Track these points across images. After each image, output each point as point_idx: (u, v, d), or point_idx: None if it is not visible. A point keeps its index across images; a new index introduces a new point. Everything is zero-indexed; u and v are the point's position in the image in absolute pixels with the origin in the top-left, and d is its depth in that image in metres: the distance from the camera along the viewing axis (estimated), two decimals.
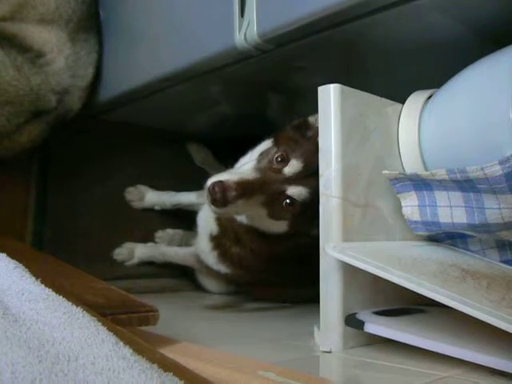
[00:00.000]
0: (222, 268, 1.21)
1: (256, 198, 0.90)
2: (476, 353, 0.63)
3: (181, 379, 0.48)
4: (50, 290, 0.60)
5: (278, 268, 1.13)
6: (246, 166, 0.95)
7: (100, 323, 0.55)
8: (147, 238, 1.56)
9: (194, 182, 1.33)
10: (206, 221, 1.23)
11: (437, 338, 0.66)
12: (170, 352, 0.62)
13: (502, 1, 0.76)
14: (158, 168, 1.63)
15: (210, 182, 0.88)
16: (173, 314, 1.06)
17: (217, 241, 1.20)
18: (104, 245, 1.48)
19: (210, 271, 1.28)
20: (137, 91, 1.21)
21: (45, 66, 1.17)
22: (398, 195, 0.83)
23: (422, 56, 0.92)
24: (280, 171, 0.92)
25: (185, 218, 1.50)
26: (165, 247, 1.53)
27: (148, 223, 1.58)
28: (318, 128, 0.79)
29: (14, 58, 1.13)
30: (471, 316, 0.60)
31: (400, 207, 0.84)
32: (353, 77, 0.97)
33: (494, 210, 0.75)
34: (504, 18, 0.79)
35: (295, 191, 0.91)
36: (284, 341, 0.85)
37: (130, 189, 1.57)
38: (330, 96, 0.77)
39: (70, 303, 0.58)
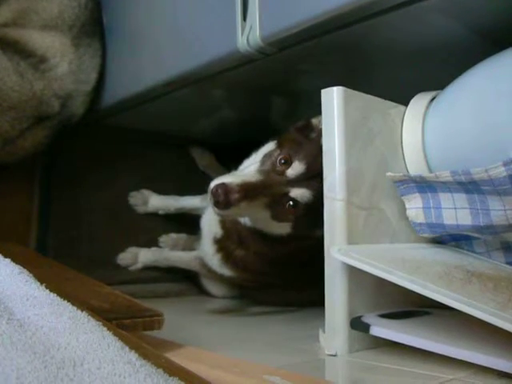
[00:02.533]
0: (226, 271, 1.21)
1: (259, 200, 0.90)
2: (482, 355, 0.62)
3: None
4: (55, 295, 0.60)
5: (281, 270, 1.13)
6: (250, 168, 0.95)
7: (105, 328, 0.55)
8: (151, 242, 1.55)
9: (198, 186, 1.33)
10: (210, 224, 1.23)
11: (443, 341, 0.66)
12: (175, 356, 0.62)
13: (505, 3, 0.76)
14: (162, 172, 1.63)
15: (213, 184, 0.88)
16: (177, 319, 1.06)
17: (220, 244, 1.20)
18: (108, 250, 1.48)
19: (214, 275, 1.28)
20: (140, 96, 1.21)
21: (48, 72, 1.17)
22: (402, 197, 0.83)
23: (426, 58, 0.92)
24: (283, 173, 0.92)
25: (188, 223, 1.50)
26: (169, 251, 1.53)
27: (152, 228, 1.58)
28: (321, 130, 0.79)
29: (17, 64, 1.13)
30: (477, 318, 0.60)
31: (404, 209, 0.83)
32: (356, 79, 0.97)
33: (498, 211, 0.74)
34: (506, 20, 0.79)
35: (298, 193, 0.91)
36: (289, 344, 0.85)
37: (134, 193, 1.57)
38: (333, 99, 0.77)
39: (75, 308, 0.58)
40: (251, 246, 1.10)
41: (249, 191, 0.88)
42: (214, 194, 0.87)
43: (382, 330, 0.70)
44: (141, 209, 1.57)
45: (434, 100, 0.86)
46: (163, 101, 1.22)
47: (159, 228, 1.58)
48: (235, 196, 0.86)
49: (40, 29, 1.18)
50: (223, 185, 0.87)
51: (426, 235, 0.85)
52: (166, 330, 0.76)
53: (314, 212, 0.85)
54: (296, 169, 0.92)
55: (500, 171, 0.69)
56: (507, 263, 0.87)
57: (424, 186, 0.81)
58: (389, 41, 0.88)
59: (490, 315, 0.59)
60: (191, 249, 1.49)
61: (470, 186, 0.75)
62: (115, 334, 0.54)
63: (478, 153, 0.75)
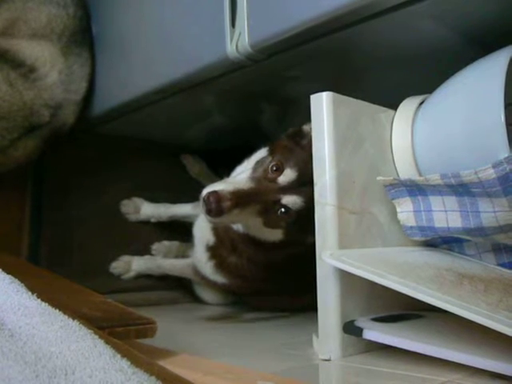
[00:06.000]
0: (219, 278, 1.21)
1: (251, 207, 0.91)
2: (475, 357, 0.62)
3: None
4: (46, 304, 0.60)
5: (274, 276, 1.13)
6: (242, 176, 0.96)
7: (97, 336, 0.55)
8: (144, 250, 1.55)
9: (190, 193, 1.33)
10: (202, 231, 1.23)
11: (436, 343, 0.66)
12: (168, 364, 0.62)
13: (492, 8, 0.77)
14: (153, 180, 1.62)
15: (205, 191, 0.88)
16: (171, 326, 1.06)
17: (213, 251, 1.20)
18: (100, 258, 1.47)
19: (207, 282, 1.28)
20: (130, 104, 1.21)
21: (38, 81, 1.17)
22: (393, 201, 0.83)
23: (414, 62, 0.92)
24: (275, 180, 0.93)
25: (181, 230, 1.50)
26: (161, 259, 1.53)
27: (144, 236, 1.57)
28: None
29: (7, 74, 1.13)
30: (469, 320, 0.60)
31: (395, 213, 0.84)
32: (345, 84, 0.97)
33: (488, 213, 0.75)
34: (493, 25, 0.80)
35: (290, 200, 0.92)
36: (283, 350, 0.84)
37: (126, 201, 1.56)
38: (322, 104, 0.77)
39: (67, 317, 0.58)
40: (244, 253, 1.11)
41: (241, 199, 0.88)
42: (206, 201, 0.87)
43: (375, 333, 0.70)
44: (133, 217, 1.57)
45: (423, 104, 0.86)
46: (153, 109, 1.22)
47: (151, 236, 1.58)
48: (227, 204, 0.86)
49: (29, 38, 1.18)
50: (215, 193, 0.87)
51: (417, 238, 0.85)
52: (159, 338, 0.76)
53: (305, 218, 0.85)
54: (288, 176, 0.92)
55: (490, 173, 0.69)
56: (498, 265, 0.87)
57: (414, 189, 0.81)
58: (378, 46, 0.89)
59: (481, 317, 0.59)
60: (184, 256, 1.49)
61: (460, 189, 0.75)
62: (107, 342, 0.54)
63: (468, 155, 0.75)
